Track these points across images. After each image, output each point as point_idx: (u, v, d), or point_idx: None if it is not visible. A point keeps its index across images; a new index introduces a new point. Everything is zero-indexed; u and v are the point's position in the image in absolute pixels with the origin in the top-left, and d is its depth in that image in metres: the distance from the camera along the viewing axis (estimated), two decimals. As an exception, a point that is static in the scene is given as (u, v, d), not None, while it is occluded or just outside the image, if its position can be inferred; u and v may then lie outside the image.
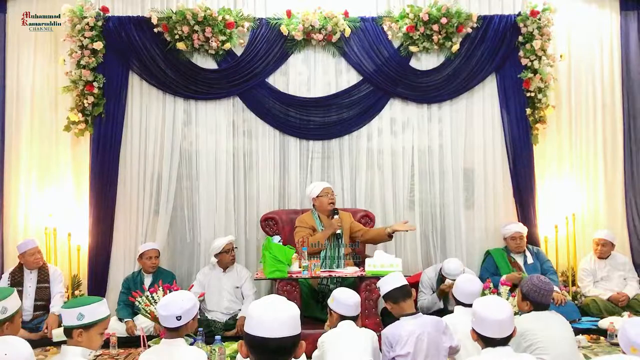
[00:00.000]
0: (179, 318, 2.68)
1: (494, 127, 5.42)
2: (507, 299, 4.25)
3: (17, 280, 4.68)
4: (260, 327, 1.65)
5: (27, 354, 1.99)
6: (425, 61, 5.36)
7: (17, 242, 4.89)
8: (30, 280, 4.70)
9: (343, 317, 3.13)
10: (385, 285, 3.21)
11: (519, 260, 5.01)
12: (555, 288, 4.68)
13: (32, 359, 2.02)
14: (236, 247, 4.90)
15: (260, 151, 5.36)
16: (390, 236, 4.53)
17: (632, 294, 4.96)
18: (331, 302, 3.19)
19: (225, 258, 4.76)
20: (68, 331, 2.43)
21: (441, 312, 4.07)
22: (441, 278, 4.63)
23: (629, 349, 2.13)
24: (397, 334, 2.98)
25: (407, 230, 4.61)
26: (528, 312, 3.11)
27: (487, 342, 2.43)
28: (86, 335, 2.42)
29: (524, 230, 5.08)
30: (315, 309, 4.45)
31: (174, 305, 2.72)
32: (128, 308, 4.66)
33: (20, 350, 1.98)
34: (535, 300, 3.07)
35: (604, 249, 5.09)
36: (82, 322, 2.41)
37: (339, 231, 4.48)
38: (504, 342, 2.41)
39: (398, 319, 3.11)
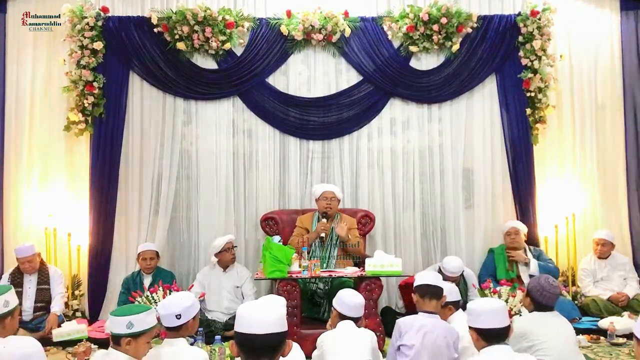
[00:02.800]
0: (178, 317, 2.68)
1: (493, 127, 5.42)
2: (507, 299, 4.25)
3: (17, 282, 4.67)
4: (247, 325, 1.75)
5: (29, 351, 2.00)
6: (425, 61, 5.36)
7: (18, 243, 4.90)
8: (29, 282, 4.70)
9: (343, 317, 3.14)
10: (421, 278, 3.26)
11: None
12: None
13: (36, 357, 2.03)
14: (236, 246, 4.89)
15: (260, 151, 5.36)
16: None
17: (632, 294, 4.97)
18: (335, 300, 3.20)
19: (226, 257, 4.76)
20: (116, 339, 2.43)
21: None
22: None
23: None
24: (408, 324, 3.05)
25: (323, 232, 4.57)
26: (530, 310, 3.11)
27: (487, 336, 2.43)
28: (134, 344, 2.42)
29: (520, 226, 5.09)
30: (309, 309, 4.47)
31: (173, 304, 2.73)
32: (128, 308, 4.65)
33: (23, 346, 2.01)
34: (535, 299, 3.08)
35: (604, 249, 5.09)
36: (132, 331, 2.41)
37: (322, 234, 4.49)
38: (502, 336, 2.41)
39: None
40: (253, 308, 1.81)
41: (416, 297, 3.24)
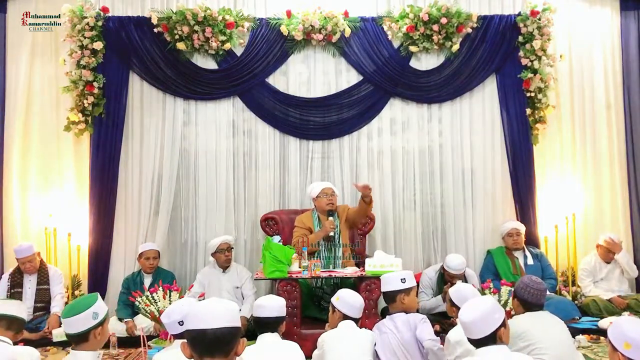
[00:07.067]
0: (181, 323, 2.68)
1: (494, 127, 5.42)
2: (507, 299, 4.24)
3: (16, 282, 4.68)
4: (197, 320, 1.70)
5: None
6: (425, 61, 5.36)
7: (18, 243, 4.91)
8: (29, 282, 4.71)
9: (345, 317, 3.16)
10: (384, 284, 3.35)
11: (519, 259, 5.01)
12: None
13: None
14: (232, 248, 4.88)
15: (260, 151, 5.36)
16: (365, 200, 4.41)
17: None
18: (336, 299, 3.21)
19: (220, 258, 4.76)
20: (84, 335, 2.30)
21: (445, 314, 4.05)
22: (443, 274, 4.63)
23: (621, 345, 2.10)
24: (376, 331, 3.20)
25: (366, 190, 4.38)
26: (520, 312, 3.09)
27: (473, 344, 2.40)
28: (101, 332, 2.36)
29: (520, 227, 5.11)
30: (313, 309, 4.45)
31: (175, 311, 2.73)
32: (128, 308, 4.66)
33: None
34: (522, 299, 3.06)
35: (610, 256, 5.07)
36: (99, 320, 2.35)
37: (331, 234, 4.48)
38: (486, 342, 2.32)
39: None
40: (202, 304, 1.76)
41: (385, 299, 3.39)
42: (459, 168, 5.42)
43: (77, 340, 2.30)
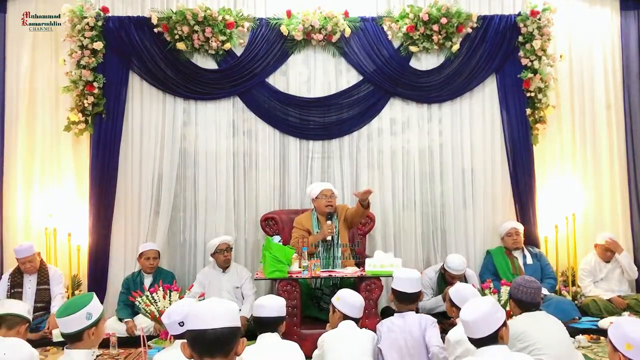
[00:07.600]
0: (181, 324, 2.68)
1: (494, 127, 5.42)
2: (508, 299, 4.24)
3: (16, 282, 4.68)
4: (197, 320, 1.71)
5: (27, 354, 1.99)
6: (425, 61, 5.36)
7: (18, 243, 4.90)
8: (29, 282, 4.70)
9: (346, 317, 3.16)
10: (397, 282, 3.32)
11: (519, 259, 5.01)
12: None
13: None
14: (231, 248, 4.87)
15: (260, 151, 5.36)
16: (362, 204, 4.40)
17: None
18: (336, 300, 3.21)
19: (219, 258, 4.76)
20: (78, 335, 2.33)
21: (445, 314, 4.05)
22: (443, 274, 4.63)
23: (623, 346, 2.09)
24: (383, 328, 3.20)
25: (366, 195, 4.35)
26: (518, 314, 3.09)
27: (474, 343, 2.40)
28: (96, 332, 2.38)
29: (519, 226, 5.11)
30: (313, 309, 4.45)
31: (175, 312, 2.73)
32: (128, 308, 4.66)
33: (22, 350, 1.98)
34: (517, 299, 3.06)
35: (610, 255, 5.08)
36: (92, 321, 2.36)
37: (329, 237, 4.48)
38: (487, 342, 2.33)
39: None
40: (202, 304, 1.77)
41: (392, 297, 3.35)
42: (459, 168, 5.42)
43: (71, 339, 2.32)
